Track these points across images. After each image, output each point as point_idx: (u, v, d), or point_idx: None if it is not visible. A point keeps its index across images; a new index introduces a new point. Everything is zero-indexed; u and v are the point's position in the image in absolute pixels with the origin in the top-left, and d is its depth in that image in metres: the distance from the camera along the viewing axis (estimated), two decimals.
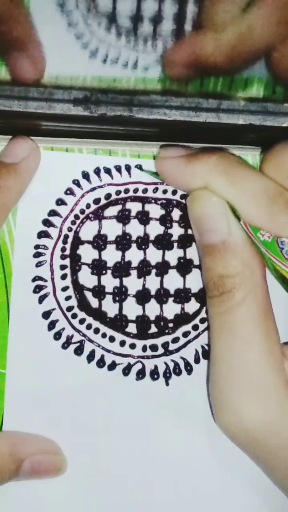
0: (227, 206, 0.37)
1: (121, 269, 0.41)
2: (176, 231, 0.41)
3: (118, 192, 0.41)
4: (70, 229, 0.41)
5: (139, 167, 0.40)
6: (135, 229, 0.41)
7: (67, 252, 0.41)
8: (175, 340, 0.41)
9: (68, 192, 0.41)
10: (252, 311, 0.36)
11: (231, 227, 0.36)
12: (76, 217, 0.41)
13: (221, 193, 0.37)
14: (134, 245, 0.41)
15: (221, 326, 0.37)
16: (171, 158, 0.38)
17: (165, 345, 0.41)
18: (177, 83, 0.36)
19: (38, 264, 0.41)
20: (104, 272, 0.41)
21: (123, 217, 0.41)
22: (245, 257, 0.36)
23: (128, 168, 0.40)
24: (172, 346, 0.41)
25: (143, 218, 0.41)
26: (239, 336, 0.36)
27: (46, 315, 0.41)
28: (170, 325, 0.41)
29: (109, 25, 0.34)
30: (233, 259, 0.36)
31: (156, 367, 0.41)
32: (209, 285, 0.37)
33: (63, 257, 0.41)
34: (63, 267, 0.41)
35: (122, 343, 0.41)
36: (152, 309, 0.41)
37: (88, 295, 0.41)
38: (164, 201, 0.41)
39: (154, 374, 0.41)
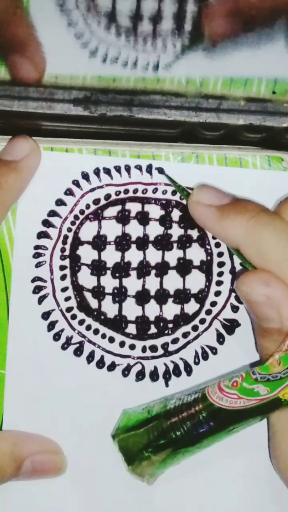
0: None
1: (121, 270, 0.41)
2: (176, 231, 0.41)
3: (117, 193, 0.41)
4: (69, 230, 0.41)
5: (160, 170, 0.40)
6: (134, 229, 0.41)
7: (67, 252, 0.41)
8: (175, 341, 0.41)
9: (68, 192, 0.41)
10: None
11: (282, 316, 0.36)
12: (76, 217, 0.41)
13: (252, 262, 0.37)
14: (133, 246, 0.41)
15: None
16: (204, 206, 0.38)
17: (164, 346, 0.41)
18: (216, 42, 0.35)
19: (38, 265, 0.41)
20: (103, 272, 0.41)
21: (123, 218, 0.41)
22: None
23: (127, 168, 0.40)
24: (171, 347, 0.41)
25: (143, 218, 0.41)
26: None
27: (45, 315, 0.41)
28: (170, 325, 0.41)
29: (108, 24, 0.34)
30: None
31: (155, 368, 0.41)
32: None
33: (62, 257, 0.41)
34: (62, 267, 0.41)
35: (122, 344, 0.41)
36: (152, 309, 0.41)
37: (88, 295, 0.41)
38: (163, 202, 0.41)
39: (154, 375, 0.41)
